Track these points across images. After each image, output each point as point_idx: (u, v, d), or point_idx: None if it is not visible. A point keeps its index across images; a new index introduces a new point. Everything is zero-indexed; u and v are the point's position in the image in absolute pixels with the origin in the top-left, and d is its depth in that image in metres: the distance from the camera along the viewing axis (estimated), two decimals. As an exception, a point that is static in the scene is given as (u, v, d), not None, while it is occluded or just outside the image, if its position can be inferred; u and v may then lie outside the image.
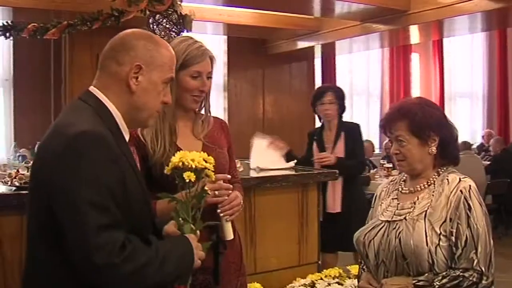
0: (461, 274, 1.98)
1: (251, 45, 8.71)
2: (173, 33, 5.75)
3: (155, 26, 5.08)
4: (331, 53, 9.67)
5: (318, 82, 9.80)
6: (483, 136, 10.76)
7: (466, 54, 12.33)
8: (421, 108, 2.15)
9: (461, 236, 2.02)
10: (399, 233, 2.09)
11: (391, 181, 2.37)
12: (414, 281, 2.00)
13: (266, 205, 3.35)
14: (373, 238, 2.17)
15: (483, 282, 1.98)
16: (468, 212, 2.03)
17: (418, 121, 2.12)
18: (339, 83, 10.05)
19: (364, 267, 2.26)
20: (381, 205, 2.28)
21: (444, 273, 2.00)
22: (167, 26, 5.53)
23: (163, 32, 5.39)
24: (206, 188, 1.91)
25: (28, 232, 1.70)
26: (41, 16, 5.55)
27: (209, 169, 1.86)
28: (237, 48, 8.66)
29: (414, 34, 8.55)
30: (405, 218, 2.11)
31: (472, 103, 12.51)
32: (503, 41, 11.89)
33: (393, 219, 2.15)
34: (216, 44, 8.56)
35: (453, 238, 2.02)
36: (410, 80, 11.18)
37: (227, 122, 9.04)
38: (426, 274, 2.01)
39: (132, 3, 4.43)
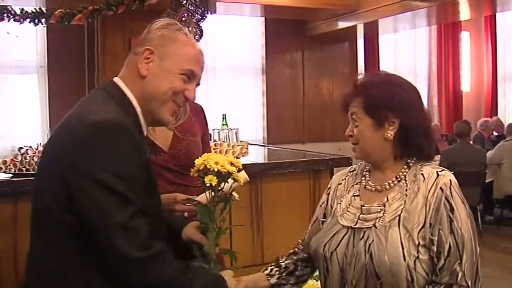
0: None
1: (289, 27, 8.54)
2: (197, 15, 5.64)
3: (178, 9, 4.98)
4: (374, 33, 9.35)
5: (360, 64, 9.50)
6: (539, 120, 10.17)
7: (523, 31, 11.67)
8: (381, 85, 1.83)
9: (444, 244, 1.68)
10: (370, 246, 1.73)
11: (350, 171, 2.03)
12: None
13: (274, 193, 3.20)
14: (335, 249, 1.81)
15: None
16: (451, 215, 1.70)
17: (374, 98, 1.79)
18: (383, 64, 9.73)
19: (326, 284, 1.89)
20: (339, 203, 1.93)
21: (401, 282, 1.67)
22: (191, 8, 5.42)
23: (186, 14, 5.28)
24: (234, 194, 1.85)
25: (35, 220, 1.68)
26: (72, 2, 5.52)
27: (234, 173, 1.79)
28: (275, 30, 8.50)
29: (464, 9, 8.16)
30: (374, 225, 1.77)
31: (529, 83, 11.86)
32: None
33: (359, 225, 1.80)
34: (253, 26, 8.44)
35: (434, 248, 1.69)
36: (460, 60, 10.62)
37: (265, 105, 8.98)
38: None
39: (156, -15, 4.35)
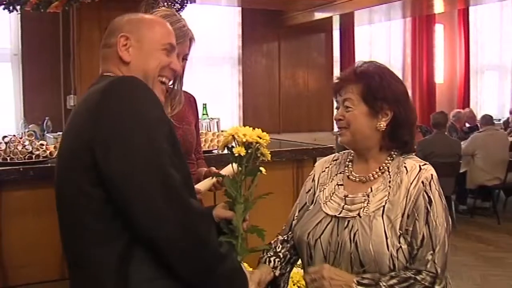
0: (413, 276, 1.70)
1: (266, 17, 8.54)
2: (177, 4, 5.60)
3: (157, -3, 4.94)
4: (350, 24, 9.40)
5: (336, 55, 9.56)
6: (511, 111, 10.34)
7: (495, 24, 11.83)
8: (381, 75, 1.84)
9: (417, 234, 1.73)
10: (355, 234, 1.77)
11: (334, 159, 2.04)
12: (358, 279, 1.71)
13: (258, 182, 3.18)
14: (320, 237, 1.84)
15: (436, 287, 1.71)
16: (428, 207, 1.74)
17: (374, 87, 1.80)
18: (359, 55, 9.80)
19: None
20: (322, 191, 1.95)
21: (393, 273, 1.72)
22: (170, -3, 5.38)
23: (166, 4, 5.24)
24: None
25: (64, 208, 1.58)
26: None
27: (262, 145, 1.78)
28: (252, 20, 8.49)
29: (438, 2, 8.27)
30: (359, 214, 1.80)
31: (500, 76, 12.06)
32: (535, 10, 11.38)
33: (343, 215, 1.83)
34: (230, 16, 8.41)
35: (408, 238, 1.74)
36: (434, 52, 10.74)
37: (242, 96, 8.98)
38: (372, 273, 1.72)
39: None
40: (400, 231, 1.74)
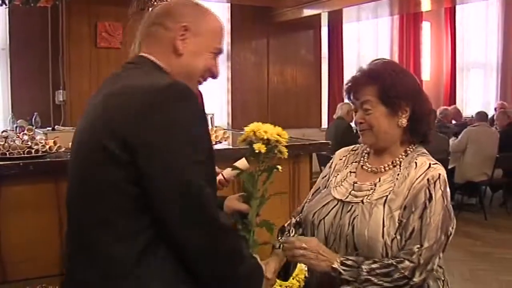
0: (394, 263, 1.73)
1: (255, 13, 8.56)
2: (168, -1, 5.59)
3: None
4: (338, 21, 9.45)
5: (324, 51, 9.60)
6: (495, 109, 10.45)
7: (480, 22, 11.98)
8: (393, 73, 1.85)
9: (409, 226, 1.75)
10: (354, 219, 1.81)
11: (353, 149, 2.08)
12: (342, 259, 1.75)
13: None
14: (324, 218, 1.89)
15: (415, 278, 1.72)
16: (427, 203, 1.75)
17: (388, 87, 1.83)
18: (347, 52, 9.85)
19: None
20: (336, 176, 2.00)
21: (376, 258, 1.75)
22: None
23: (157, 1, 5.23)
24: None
25: (88, 202, 1.53)
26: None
27: (282, 144, 1.80)
28: (241, 16, 8.51)
29: (425, 0, 8.35)
30: (362, 201, 1.84)
31: (485, 74, 12.20)
32: (519, 9, 11.51)
33: (348, 199, 1.87)
34: (219, 12, 8.36)
35: (401, 229, 1.77)
36: (421, 49, 10.84)
37: (230, 91, 9.01)
38: (358, 256, 1.77)
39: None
40: (398, 222, 1.77)
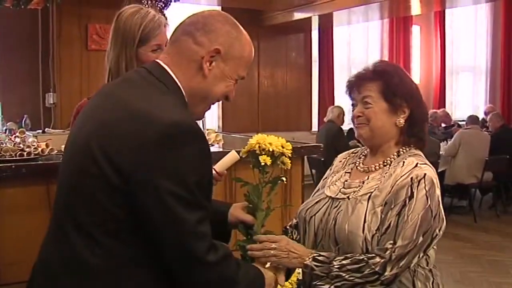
0: (366, 259, 1.72)
1: (245, 16, 8.49)
2: (161, 2, 5.60)
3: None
4: (329, 24, 9.50)
5: (315, 55, 9.63)
6: (485, 112, 10.52)
7: (469, 26, 12.08)
8: (398, 73, 1.89)
9: (385, 221, 1.74)
10: (338, 213, 1.84)
11: (353, 152, 2.11)
12: (315, 255, 1.76)
13: (248, 180, 3.19)
14: (315, 214, 1.91)
15: (386, 273, 1.71)
16: (407, 200, 1.74)
17: (394, 85, 1.86)
18: (337, 55, 9.88)
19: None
20: (333, 177, 2.03)
21: (348, 254, 1.76)
22: (154, -6, 5.38)
23: (149, 2, 5.23)
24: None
25: (71, 212, 1.48)
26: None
27: (286, 156, 1.80)
28: (232, 19, 8.48)
29: (415, 4, 8.39)
30: (348, 197, 1.86)
31: (474, 77, 12.30)
32: (508, 13, 11.58)
33: (337, 196, 1.91)
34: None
35: (378, 225, 1.77)
36: (410, 53, 10.93)
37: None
38: (330, 252, 1.78)
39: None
40: (380, 218, 1.77)
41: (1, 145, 2.50)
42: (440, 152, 7.15)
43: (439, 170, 6.89)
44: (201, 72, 1.52)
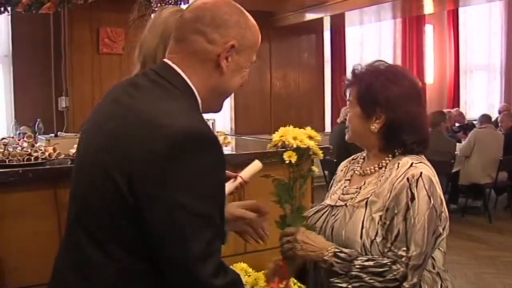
0: (389, 263, 1.69)
1: (257, 18, 8.16)
2: (170, 5, 5.59)
3: (150, -3, 4.93)
4: (341, 25, 9.45)
5: (327, 55, 9.59)
6: (499, 111, 10.41)
7: (483, 24, 11.96)
8: (375, 78, 1.83)
9: (394, 228, 1.70)
10: (335, 221, 1.83)
11: (353, 159, 2.07)
12: (336, 250, 1.72)
13: (257, 184, 3.18)
14: (315, 223, 1.90)
15: (405, 284, 1.68)
16: (409, 203, 1.70)
17: (364, 90, 1.83)
18: (349, 56, 9.84)
19: None
20: (334, 186, 2.02)
21: (371, 256, 1.72)
22: (163, -3, 5.38)
23: (159, 4, 5.23)
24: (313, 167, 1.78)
25: (81, 222, 1.45)
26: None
27: (313, 148, 1.73)
28: (243, 21, 8.48)
29: (428, 3, 8.32)
30: (346, 204, 1.84)
31: (489, 76, 12.18)
32: (523, 10, 11.48)
33: (337, 204, 1.89)
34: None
35: (384, 231, 1.73)
36: (424, 52, 10.85)
37: (233, 96, 8.98)
38: (352, 250, 1.74)
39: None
40: (378, 224, 1.74)
41: (9, 149, 2.51)
42: (456, 152, 7.08)
43: (453, 170, 6.83)
44: (218, 69, 1.46)
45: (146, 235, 1.33)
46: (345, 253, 1.73)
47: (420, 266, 1.71)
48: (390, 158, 1.86)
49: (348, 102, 1.92)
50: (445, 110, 9.17)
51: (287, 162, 1.70)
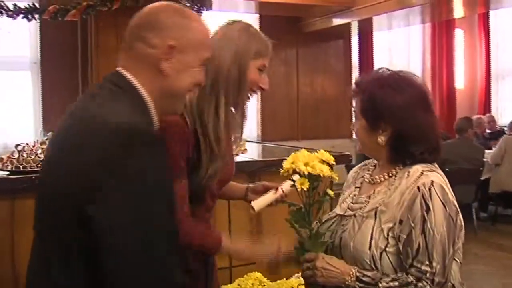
0: (414, 281, 1.63)
1: (284, 24, 8.52)
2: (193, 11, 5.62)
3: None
4: (369, 30, 9.37)
5: (355, 61, 9.51)
6: (532, 118, 10.18)
7: (516, 28, 11.70)
8: (376, 88, 1.77)
9: (413, 243, 1.64)
10: (343, 232, 1.79)
11: (364, 165, 2.01)
12: (359, 275, 1.67)
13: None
14: (324, 234, 1.85)
15: None
16: (425, 215, 1.64)
17: (367, 103, 1.78)
18: (377, 61, 9.74)
19: None
20: (344, 194, 1.96)
21: (395, 275, 1.66)
22: (186, 4, 5.39)
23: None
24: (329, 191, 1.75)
25: (42, 242, 1.53)
26: (66, -2, 5.49)
27: (326, 172, 1.69)
28: (270, 26, 8.38)
29: (458, 7, 8.19)
30: (354, 214, 1.79)
31: (521, 81, 11.90)
32: (556, 14, 11.19)
33: (346, 213, 1.84)
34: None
35: (400, 245, 1.67)
36: (454, 57, 10.65)
37: (260, 102, 8.99)
38: (375, 272, 1.68)
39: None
40: (389, 235, 1.69)
41: (23, 156, 2.53)
42: (484, 159, 6.92)
43: (482, 178, 6.69)
44: (162, 73, 1.49)
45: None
46: (368, 276, 1.68)
47: (444, 284, 1.66)
48: (401, 167, 1.80)
49: (354, 114, 1.87)
50: (476, 116, 9.01)
51: (299, 189, 1.68)
